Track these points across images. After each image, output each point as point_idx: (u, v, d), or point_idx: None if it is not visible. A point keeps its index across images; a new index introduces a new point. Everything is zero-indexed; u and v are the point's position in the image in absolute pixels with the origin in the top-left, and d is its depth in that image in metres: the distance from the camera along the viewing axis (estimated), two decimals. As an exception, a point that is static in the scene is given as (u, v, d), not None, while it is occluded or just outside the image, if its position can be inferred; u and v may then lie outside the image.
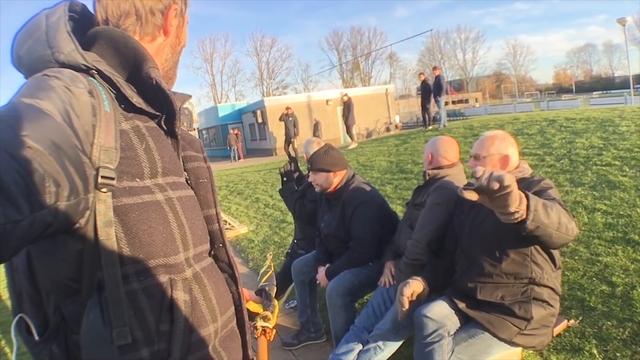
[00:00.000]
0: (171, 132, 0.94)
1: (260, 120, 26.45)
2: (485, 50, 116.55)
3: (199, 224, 0.94)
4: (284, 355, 3.25)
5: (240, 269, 5.50)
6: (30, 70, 0.81)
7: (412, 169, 8.45)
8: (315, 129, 21.77)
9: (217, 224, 1.04)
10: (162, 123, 0.92)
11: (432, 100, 13.53)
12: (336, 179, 2.97)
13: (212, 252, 1.04)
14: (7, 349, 3.65)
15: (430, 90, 13.70)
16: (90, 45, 0.87)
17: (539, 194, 1.86)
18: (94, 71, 0.82)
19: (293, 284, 3.37)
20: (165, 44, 0.99)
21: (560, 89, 70.84)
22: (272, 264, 1.68)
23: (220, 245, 1.05)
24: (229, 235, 6.97)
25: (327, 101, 17.70)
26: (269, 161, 18.95)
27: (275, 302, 1.40)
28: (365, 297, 3.35)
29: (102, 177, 0.73)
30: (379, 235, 2.85)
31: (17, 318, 0.80)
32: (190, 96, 1.05)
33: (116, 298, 0.75)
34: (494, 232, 1.98)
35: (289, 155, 19.01)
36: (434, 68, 13.92)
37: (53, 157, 0.62)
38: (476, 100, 55.33)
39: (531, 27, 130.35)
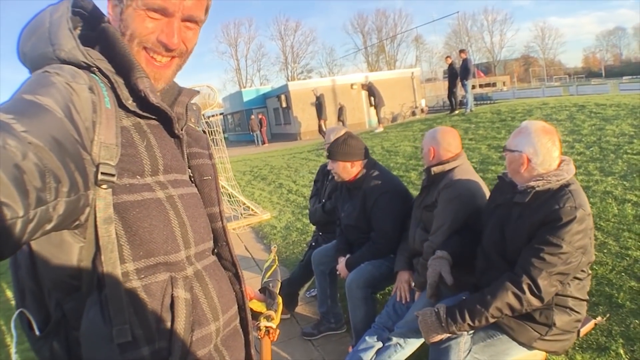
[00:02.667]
0: (171, 133, 0.93)
1: (284, 105, 26.41)
2: (513, 32, 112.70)
3: (202, 222, 0.94)
4: (304, 345, 3.25)
5: (262, 255, 5.56)
6: (34, 66, 0.82)
7: (438, 155, 8.31)
8: (340, 113, 21.60)
9: (220, 222, 1.03)
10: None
11: (459, 84, 13.24)
12: (355, 169, 2.91)
13: (216, 250, 1.04)
14: (9, 341, 3.75)
15: (457, 74, 13.40)
16: (96, 42, 0.87)
17: (546, 226, 1.77)
18: (94, 68, 0.82)
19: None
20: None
21: (589, 73, 68.30)
22: (276, 258, 1.65)
23: (224, 243, 1.05)
24: (251, 221, 7.04)
25: (351, 85, 17.50)
26: (293, 146, 18.93)
27: (280, 299, 1.38)
28: (386, 289, 3.32)
29: (102, 173, 0.73)
30: (402, 226, 2.78)
31: (17, 312, 0.81)
32: (198, 92, 1.05)
33: (116, 296, 0.76)
34: (512, 240, 1.90)
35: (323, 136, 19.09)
36: (461, 51, 13.55)
37: (53, 152, 0.62)
38: (504, 84, 53.89)
39: (561, 9, 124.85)
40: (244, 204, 7.46)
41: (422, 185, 2.61)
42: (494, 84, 52.36)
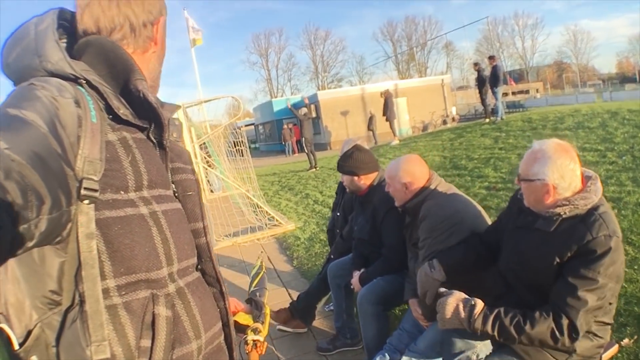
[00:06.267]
0: (159, 144, 0.93)
1: (314, 115, 26.52)
2: (545, 37, 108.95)
3: (185, 238, 0.93)
4: (319, 360, 3.22)
5: (284, 267, 5.54)
6: (18, 77, 0.81)
7: (467, 165, 8.14)
8: (370, 122, 21.54)
9: (204, 238, 1.03)
10: (151, 134, 0.91)
11: (490, 92, 12.98)
12: (363, 183, 2.88)
13: (200, 266, 1.02)
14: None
15: (485, 81, 13.16)
16: (80, 54, 0.87)
17: (579, 258, 1.62)
18: (82, 80, 0.81)
19: None
20: (154, 55, 0.99)
21: (623, 78, 65.40)
22: (264, 264, 1.61)
23: (208, 259, 1.04)
24: (276, 231, 7.05)
25: (380, 93, 17.48)
26: (322, 156, 18.93)
27: (267, 309, 1.35)
28: (403, 306, 3.24)
29: (85, 188, 0.73)
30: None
31: None
32: (179, 106, 1.06)
33: (96, 312, 0.75)
34: (537, 269, 1.76)
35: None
36: (490, 58, 13.27)
37: (36, 169, 0.62)
38: (537, 91, 52.71)
39: (592, 12, 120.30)
40: (269, 214, 7.48)
41: (406, 223, 2.51)
42: (527, 92, 51.26)
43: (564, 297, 1.62)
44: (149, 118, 0.88)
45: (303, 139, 14.89)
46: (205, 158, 11.92)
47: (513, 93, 46.28)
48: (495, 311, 1.74)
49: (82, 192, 0.73)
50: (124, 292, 0.79)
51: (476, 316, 1.74)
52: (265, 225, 7.30)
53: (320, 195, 9.20)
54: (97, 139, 0.77)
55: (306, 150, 14.62)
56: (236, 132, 7.62)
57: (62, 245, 0.73)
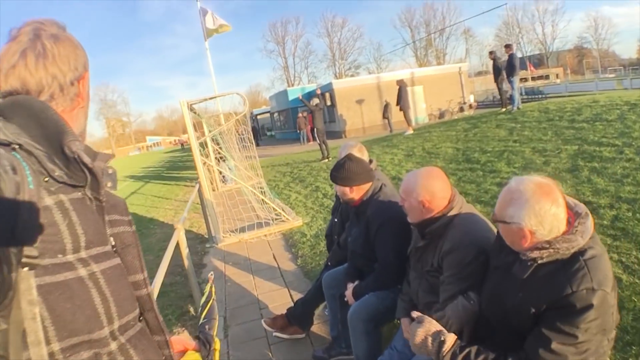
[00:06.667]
0: (96, 198, 0.93)
1: (329, 103, 26.34)
2: (565, 23, 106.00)
3: (125, 294, 0.94)
4: (314, 370, 3.15)
5: (288, 265, 5.49)
6: None
7: (479, 158, 7.93)
8: (385, 110, 21.37)
9: (145, 289, 1.04)
10: (87, 191, 0.91)
11: (506, 80, 12.65)
12: (355, 194, 2.74)
13: (142, 316, 1.03)
14: None
15: (500, 70, 12.82)
16: (9, 115, 0.86)
17: (555, 311, 1.45)
18: (16, 145, 0.81)
19: None
20: (81, 110, 1.01)
21: None
22: (213, 290, 1.54)
23: (150, 309, 1.05)
24: (282, 227, 7.01)
25: (397, 81, 17.23)
26: (336, 145, 18.76)
27: (217, 344, 1.33)
28: (395, 322, 3.14)
29: (25, 255, 0.73)
30: (406, 255, 2.58)
31: None
32: (113, 155, 1.05)
33: None
34: (514, 315, 1.60)
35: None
36: (506, 46, 12.88)
37: None
38: (557, 76, 51.43)
39: None
40: (275, 210, 7.42)
41: (415, 244, 2.26)
42: (547, 77, 50.10)
43: (537, 348, 1.47)
44: (85, 176, 0.88)
45: (315, 129, 14.79)
46: (217, 150, 11.95)
47: (532, 78, 45.35)
48: (466, 350, 1.62)
49: (23, 259, 0.73)
50: (68, 354, 0.79)
51: (444, 353, 1.64)
52: (272, 220, 7.25)
53: (329, 188, 9.10)
54: (34, 206, 0.77)
55: (318, 141, 14.53)
56: (244, 124, 7.55)
57: (4, 313, 0.73)
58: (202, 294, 1.52)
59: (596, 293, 1.40)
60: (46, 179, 0.83)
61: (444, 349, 1.64)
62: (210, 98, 7.27)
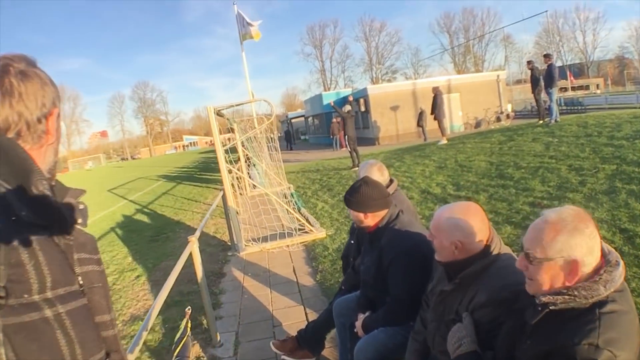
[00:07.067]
0: (64, 237, 0.93)
1: (363, 109, 26.12)
2: (607, 32, 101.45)
3: (91, 335, 0.93)
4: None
5: (307, 280, 5.36)
6: None
7: (513, 174, 7.58)
8: (420, 117, 21.05)
9: (112, 330, 1.03)
10: (54, 230, 0.90)
11: (544, 91, 12.18)
12: (369, 220, 2.56)
13: (108, 357, 1.02)
14: None
15: (539, 81, 12.34)
16: None
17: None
18: None
19: None
20: (50, 147, 1.00)
21: None
22: (189, 325, 1.43)
23: (116, 351, 1.04)
24: (306, 238, 6.88)
25: (432, 89, 16.87)
26: (368, 152, 18.58)
27: None
28: None
29: None
30: (421, 291, 2.37)
31: None
32: (84, 191, 1.04)
33: None
34: (522, 357, 1.45)
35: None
36: (545, 56, 12.37)
37: None
38: (597, 86, 49.56)
39: None
40: (299, 220, 7.30)
41: (438, 285, 2.02)
42: (586, 87, 48.37)
43: None
44: (52, 215, 0.88)
45: (346, 136, 14.64)
46: (246, 154, 11.96)
47: (572, 88, 43.96)
48: None
49: None
50: None
51: None
52: (296, 231, 7.13)
53: (357, 199, 8.91)
54: (1, 247, 0.79)
55: (349, 149, 14.37)
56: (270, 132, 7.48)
57: None
58: (177, 330, 1.42)
59: (600, 352, 1.22)
60: (13, 218, 0.83)
61: None
62: (237, 105, 7.25)
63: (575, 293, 1.33)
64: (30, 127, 0.92)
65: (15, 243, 0.81)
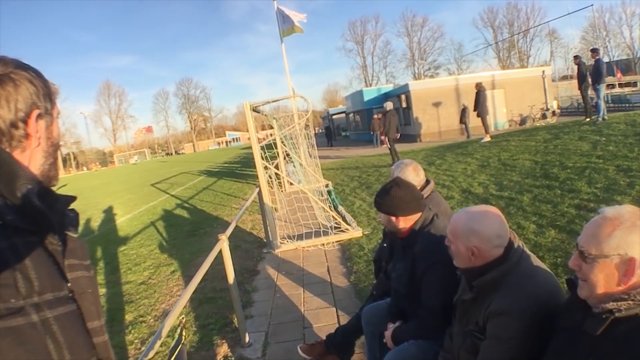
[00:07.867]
0: (52, 243, 0.91)
1: (404, 105, 25.69)
2: None
3: (80, 340, 0.92)
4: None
5: (341, 281, 5.23)
6: None
7: (559, 175, 7.17)
8: (463, 114, 20.54)
9: (102, 336, 1.00)
10: (42, 235, 0.89)
11: (591, 88, 11.53)
12: (402, 224, 2.39)
13: None
14: None
15: (586, 77, 11.68)
16: None
17: None
18: None
19: None
20: (38, 149, 0.97)
21: None
22: (184, 334, 1.35)
23: (107, 358, 1.01)
24: (342, 237, 6.77)
25: (475, 84, 16.33)
26: (409, 149, 18.24)
27: None
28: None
29: None
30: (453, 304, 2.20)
31: None
32: (75, 198, 1.01)
33: None
34: None
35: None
36: (592, 51, 11.66)
37: None
38: (646, 83, 46.80)
39: None
40: (335, 218, 7.17)
41: (461, 295, 1.91)
42: (634, 84, 45.74)
43: None
44: (38, 220, 0.87)
45: (386, 134, 14.43)
46: (285, 151, 11.95)
47: (620, 85, 41.77)
48: None
49: None
50: None
51: None
52: (332, 229, 7.01)
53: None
54: None
55: (389, 146, 14.14)
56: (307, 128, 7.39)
57: None
58: (173, 338, 1.35)
59: None
60: (0, 223, 0.82)
61: None
62: (273, 101, 7.18)
63: (638, 298, 1.24)
64: (5, 133, 0.90)
65: (2, 246, 0.80)
